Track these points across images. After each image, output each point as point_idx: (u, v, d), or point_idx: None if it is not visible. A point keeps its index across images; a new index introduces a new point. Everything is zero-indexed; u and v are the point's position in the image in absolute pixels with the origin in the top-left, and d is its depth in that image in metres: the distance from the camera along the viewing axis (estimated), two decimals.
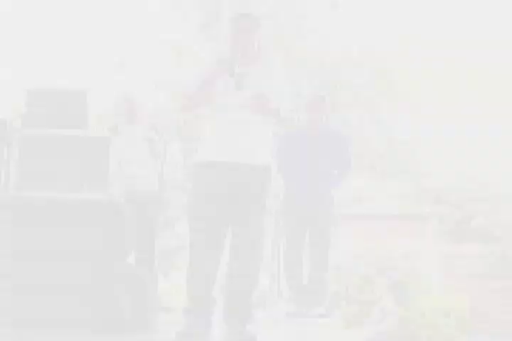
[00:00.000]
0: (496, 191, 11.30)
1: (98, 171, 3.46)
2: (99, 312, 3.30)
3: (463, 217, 11.06)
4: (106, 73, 12.10)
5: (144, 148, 4.51)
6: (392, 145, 13.22)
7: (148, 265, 4.45)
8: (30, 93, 3.74)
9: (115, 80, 12.10)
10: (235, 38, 3.41)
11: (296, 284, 4.71)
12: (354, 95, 12.53)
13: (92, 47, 12.00)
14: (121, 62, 12.10)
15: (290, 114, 3.48)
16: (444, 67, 13.08)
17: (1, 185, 3.47)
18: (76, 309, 3.29)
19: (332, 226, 4.68)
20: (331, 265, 8.97)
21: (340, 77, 12.59)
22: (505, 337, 11.17)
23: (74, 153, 3.47)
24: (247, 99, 3.29)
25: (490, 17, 12.95)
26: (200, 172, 3.41)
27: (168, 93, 12.07)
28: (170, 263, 10.51)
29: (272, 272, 5.13)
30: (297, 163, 4.63)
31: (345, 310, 9.42)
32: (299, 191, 4.62)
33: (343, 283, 9.73)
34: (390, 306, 8.49)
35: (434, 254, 11.31)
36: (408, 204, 12.52)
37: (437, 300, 10.72)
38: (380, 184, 14.33)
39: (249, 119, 3.33)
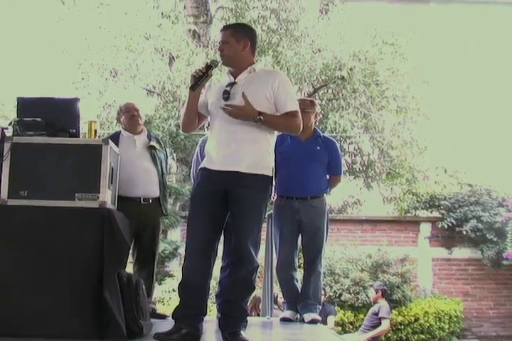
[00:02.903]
0: (488, 195, 11.34)
1: (90, 179, 3.45)
2: (91, 321, 3.28)
3: (456, 220, 11.11)
4: (99, 81, 12.10)
5: (146, 156, 4.52)
6: (384, 150, 13.25)
7: (148, 272, 4.44)
8: (21, 100, 3.74)
9: (108, 88, 12.11)
10: (219, 49, 3.49)
11: (289, 289, 4.70)
12: (346, 100, 12.57)
13: (85, 54, 12.01)
14: (113, 69, 12.11)
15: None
16: (434, 69, 13.16)
17: None
18: (67, 317, 3.26)
19: (325, 231, 4.66)
20: (325, 269, 8.98)
21: (331, 82, 12.64)
22: (498, 339, 11.13)
23: (65, 161, 3.46)
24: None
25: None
26: (197, 177, 3.50)
27: (160, 101, 12.08)
28: (164, 269, 10.49)
29: (265, 277, 5.11)
30: (288, 167, 4.61)
31: (340, 314, 9.43)
32: (290, 195, 4.61)
33: (337, 288, 9.74)
34: (384, 310, 8.49)
35: (427, 258, 11.34)
36: (401, 208, 12.55)
37: (430, 304, 10.73)
38: (372, 189, 14.38)
39: (239, 128, 3.34)
